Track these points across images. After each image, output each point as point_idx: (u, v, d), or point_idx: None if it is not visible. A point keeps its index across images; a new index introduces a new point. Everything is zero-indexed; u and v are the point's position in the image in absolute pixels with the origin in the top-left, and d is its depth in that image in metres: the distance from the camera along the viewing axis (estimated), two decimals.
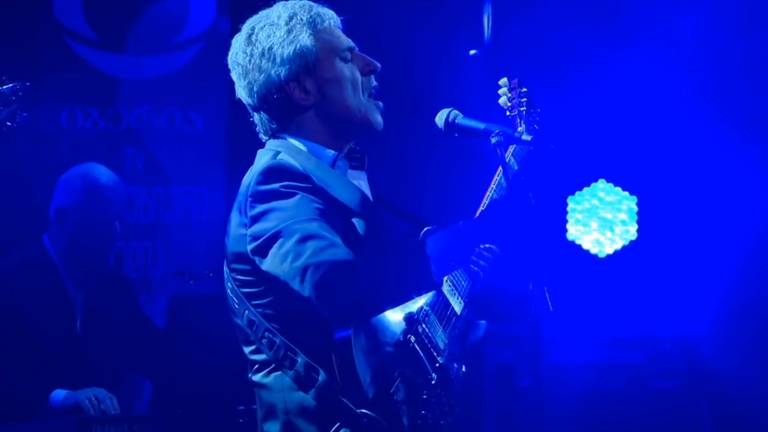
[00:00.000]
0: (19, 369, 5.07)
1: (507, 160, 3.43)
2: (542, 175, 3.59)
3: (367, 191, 3.37)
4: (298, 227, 2.98)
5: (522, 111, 3.67)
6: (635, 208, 7.80)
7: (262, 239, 3.04)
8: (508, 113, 3.68)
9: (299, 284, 2.95)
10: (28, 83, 4.05)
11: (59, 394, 5.02)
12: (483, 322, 3.50)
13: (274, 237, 3.01)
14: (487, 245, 3.41)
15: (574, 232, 7.81)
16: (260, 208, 3.07)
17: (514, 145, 3.54)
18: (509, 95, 3.70)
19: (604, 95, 7.43)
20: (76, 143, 6.73)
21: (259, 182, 3.10)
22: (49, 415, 4.96)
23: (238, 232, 3.14)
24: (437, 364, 3.18)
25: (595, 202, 7.81)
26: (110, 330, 5.36)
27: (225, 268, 3.24)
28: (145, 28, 7.01)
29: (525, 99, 3.68)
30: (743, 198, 7.36)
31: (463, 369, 3.34)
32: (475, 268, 3.40)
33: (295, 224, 2.99)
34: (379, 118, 3.34)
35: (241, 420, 4.96)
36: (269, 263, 3.03)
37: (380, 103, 3.35)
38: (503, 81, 3.72)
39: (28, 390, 5.04)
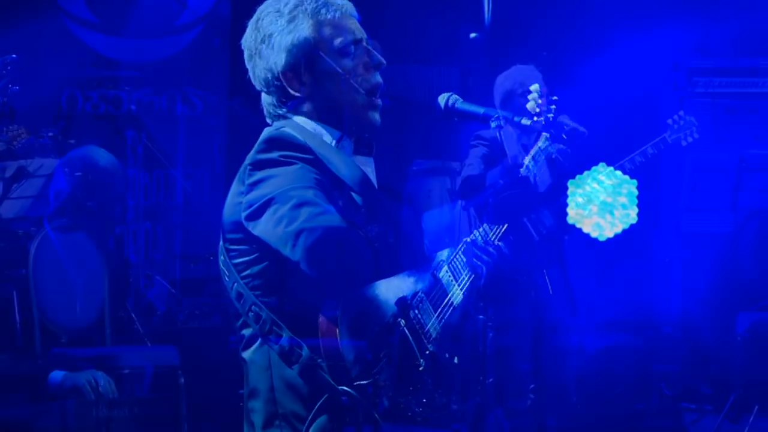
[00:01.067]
0: (19, 351, 5.09)
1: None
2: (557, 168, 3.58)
3: (374, 177, 3.34)
4: (294, 194, 2.96)
5: (549, 117, 3.61)
6: (635, 192, 7.80)
7: (257, 204, 3.01)
8: (535, 119, 3.60)
9: (291, 248, 2.93)
10: (16, 56, 4.03)
11: (57, 374, 5.03)
12: (481, 317, 3.49)
13: (269, 202, 2.98)
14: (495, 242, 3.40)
15: (574, 215, 7.81)
16: (258, 175, 3.05)
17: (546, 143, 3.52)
18: (539, 101, 3.64)
19: (604, 79, 7.43)
20: (76, 126, 6.72)
21: (260, 150, 3.09)
22: (46, 395, 4.97)
23: (235, 200, 3.11)
24: (427, 351, 3.16)
25: (596, 185, 7.80)
26: (109, 308, 5.38)
27: (221, 242, 3.22)
28: (146, 12, 7.00)
29: (554, 107, 3.65)
30: (741, 180, 7.36)
31: (456, 360, 3.33)
32: (479, 263, 3.38)
33: (290, 191, 2.97)
34: (375, 117, 3.22)
35: (241, 404, 4.95)
36: (262, 228, 3.00)
37: (379, 102, 3.23)
38: (534, 87, 3.67)
39: (28, 372, 5.05)
